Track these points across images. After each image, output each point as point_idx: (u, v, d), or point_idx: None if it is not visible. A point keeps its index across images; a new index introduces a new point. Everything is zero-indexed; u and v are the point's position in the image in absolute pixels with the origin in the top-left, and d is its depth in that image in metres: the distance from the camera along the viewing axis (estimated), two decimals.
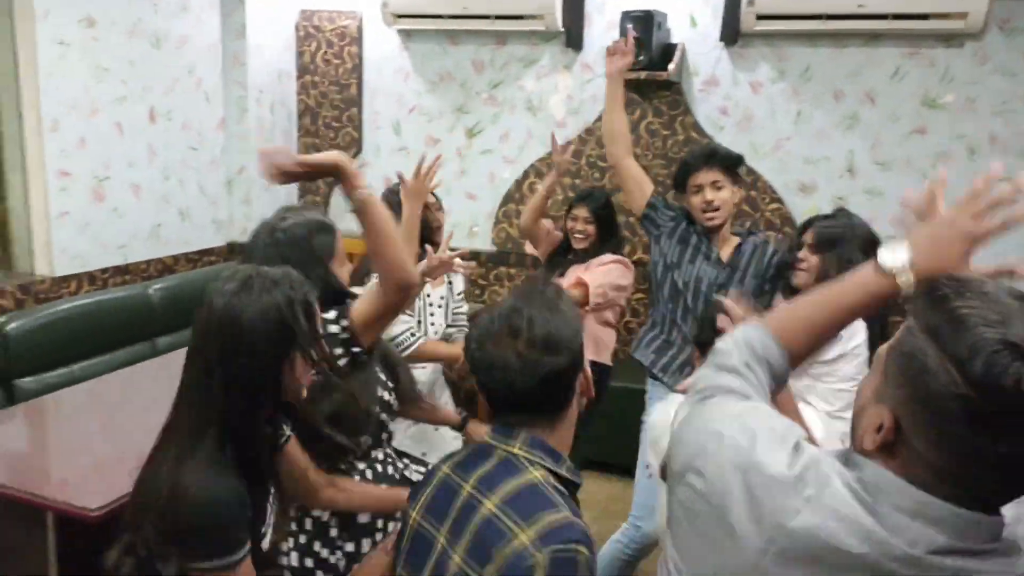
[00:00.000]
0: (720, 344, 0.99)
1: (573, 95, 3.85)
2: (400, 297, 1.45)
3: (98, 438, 2.32)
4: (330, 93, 4.24)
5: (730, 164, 2.29)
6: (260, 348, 1.17)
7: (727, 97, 3.60)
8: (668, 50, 3.52)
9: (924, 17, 3.14)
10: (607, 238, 2.73)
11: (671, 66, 3.43)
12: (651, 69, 3.42)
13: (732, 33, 3.49)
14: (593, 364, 2.40)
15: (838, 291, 0.96)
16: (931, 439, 0.74)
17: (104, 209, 3.40)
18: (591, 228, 2.71)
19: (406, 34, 4.04)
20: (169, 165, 3.71)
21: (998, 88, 3.24)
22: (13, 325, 2.83)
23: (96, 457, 2.18)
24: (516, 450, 1.10)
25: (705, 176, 2.26)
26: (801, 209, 3.54)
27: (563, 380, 1.11)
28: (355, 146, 4.22)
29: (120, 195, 3.47)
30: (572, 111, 3.86)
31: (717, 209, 2.25)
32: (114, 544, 1.22)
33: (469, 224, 4.10)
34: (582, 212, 2.75)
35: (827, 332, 0.98)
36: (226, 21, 3.91)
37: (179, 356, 3.16)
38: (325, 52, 4.20)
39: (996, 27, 3.19)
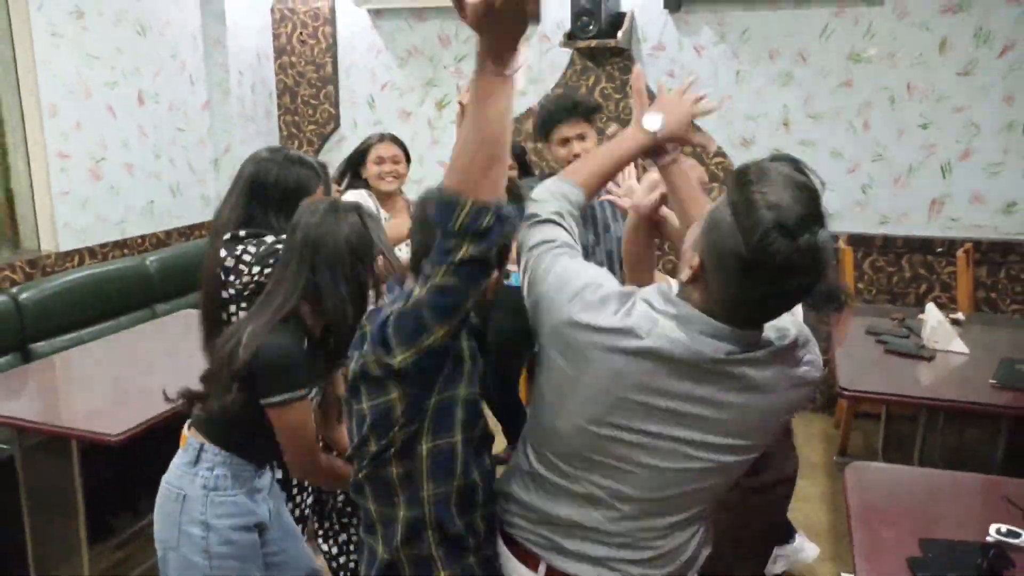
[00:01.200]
0: (536, 194, 1.30)
1: (533, 65, 4.12)
2: None
3: (110, 384, 2.60)
4: (307, 72, 4.50)
5: (591, 113, 2.36)
6: (346, 255, 1.49)
7: (673, 60, 3.89)
8: (618, 19, 3.80)
9: None
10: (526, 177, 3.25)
11: (620, 33, 3.71)
12: (601, 37, 3.69)
13: (676, 0, 3.77)
14: None
15: (615, 145, 1.36)
16: (719, 280, 1.05)
17: (102, 187, 3.68)
18: (513, 172, 3.16)
19: (375, 13, 4.30)
20: (159, 145, 3.98)
21: (914, 41, 3.55)
22: (25, 295, 3.11)
23: (110, 398, 2.46)
24: None
25: (571, 129, 2.29)
26: (742, 162, 3.84)
27: None
28: (333, 122, 4.49)
29: (116, 174, 3.75)
30: (532, 80, 4.14)
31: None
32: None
33: None
34: None
35: (611, 174, 1.38)
36: (206, 6, 4.16)
37: (175, 320, 3.45)
38: (300, 33, 4.45)
39: None
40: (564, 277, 1.15)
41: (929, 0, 3.49)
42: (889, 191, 3.72)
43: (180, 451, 1.62)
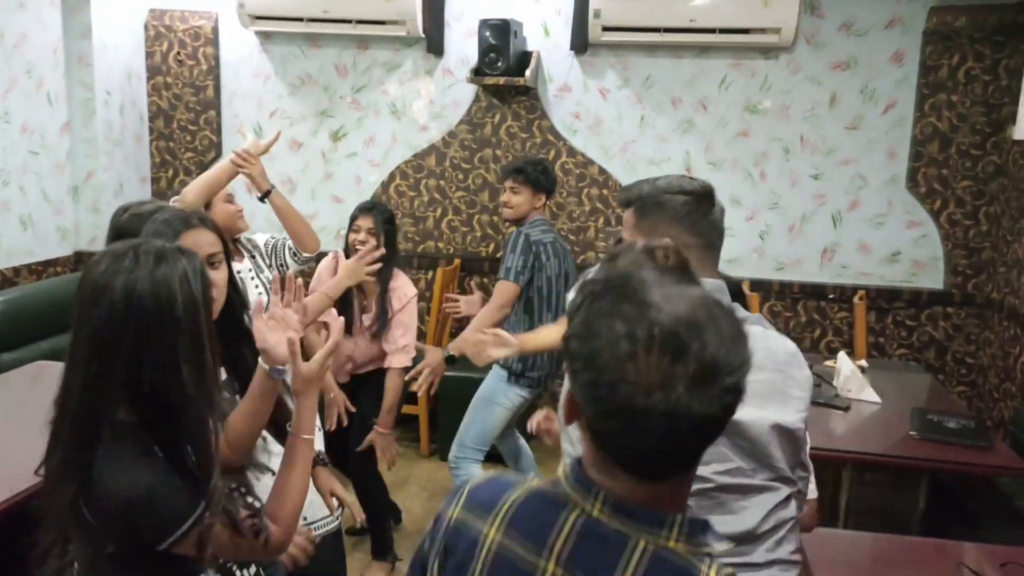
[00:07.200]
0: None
1: (435, 100, 3.97)
2: None
3: None
4: (185, 95, 4.12)
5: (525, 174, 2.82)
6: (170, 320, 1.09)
7: (579, 103, 3.85)
8: (524, 58, 3.72)
9: (746, 31, 3.52)
10: (391, 254, 2.66)
11: (527, 72, 3.63)
12: (508, 75, 3.60)
13: (582, 43, 3.74)
14: None
15: None
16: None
17: None
18: (374, 240, 2.61)
19: (265, 36, 4.01)
20: (8, 170, 3.48)
21: (807, 95, 3.68)
22: None
23: None
24: (672, 543, 0.69)
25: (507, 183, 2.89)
26: None
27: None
28: (214, 150, 4.13)
29: None
30: (435, 116, 3.98)
31: (509, 208, 2.87)
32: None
33: (336, 227, 4.11)
34: (366, 223, 2.63)
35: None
36: (68, 20, 3.72)
37: (21, 374, 2.91)
38: (178, 52, 4.09)
39: (804, 41, 3.62)
40: None
41: (820, 56, 3.64)
42: (784, 239, 3.82)
43: None
